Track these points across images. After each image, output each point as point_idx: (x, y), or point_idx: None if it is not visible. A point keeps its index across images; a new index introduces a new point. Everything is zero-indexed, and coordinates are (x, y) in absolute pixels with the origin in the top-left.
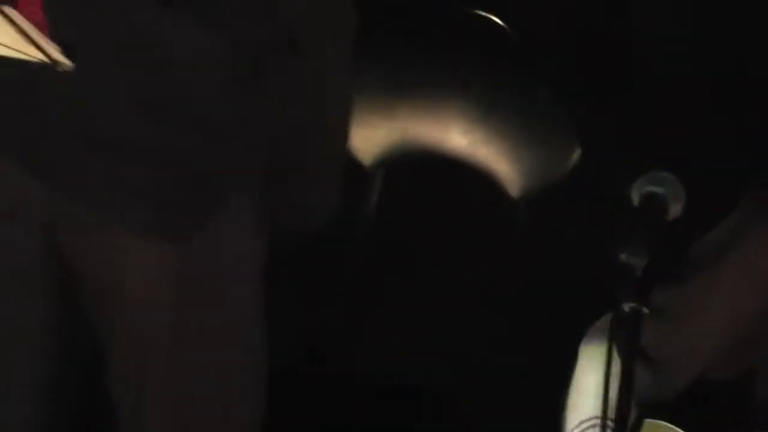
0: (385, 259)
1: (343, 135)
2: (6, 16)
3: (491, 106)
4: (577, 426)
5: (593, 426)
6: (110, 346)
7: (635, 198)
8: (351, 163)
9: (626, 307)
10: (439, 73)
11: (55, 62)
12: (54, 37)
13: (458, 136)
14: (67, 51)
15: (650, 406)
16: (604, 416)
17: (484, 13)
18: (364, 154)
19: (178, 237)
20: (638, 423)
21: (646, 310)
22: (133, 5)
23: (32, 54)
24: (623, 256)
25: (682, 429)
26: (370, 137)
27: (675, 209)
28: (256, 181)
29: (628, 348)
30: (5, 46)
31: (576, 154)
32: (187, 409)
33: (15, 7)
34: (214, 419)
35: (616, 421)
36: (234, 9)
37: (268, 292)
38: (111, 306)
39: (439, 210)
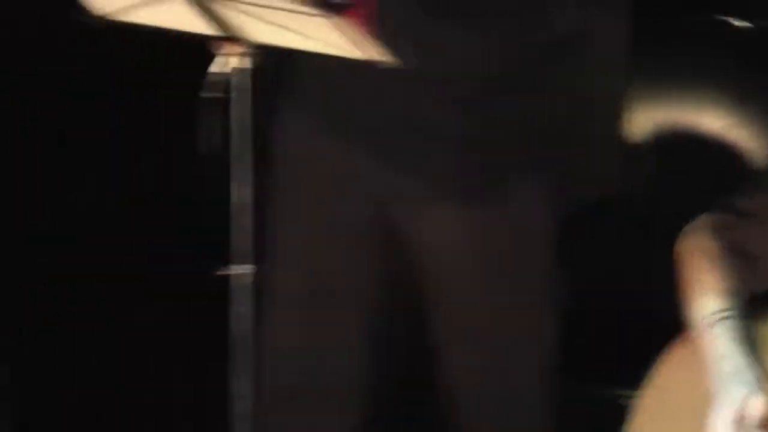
0: (651, 222)
1: (619, 122)
2: (338, 24)
3: (741, 95)
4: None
5: (721, 319)
6: (423, 300)
7: None
8: (625, 142)
9: None
10: (700, 68)
11: (378, 61)
12: (376, 40)
13: (713, 120)
14: (389, 52)
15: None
16: None
17: (730, 18)
18: (637, 135)
19: (484, 207)
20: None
21: None
22: (428, 18)
23: (360, 54)
24: None
25: None
26: (643, 120)
27: None
28: (543, 161)
29: None
30: (339, 47)
31: None
32: (486, 357)
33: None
34: (512, 364)
35: None
36: (511, 15)
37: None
38: (428, 263)
39: (696, 180)
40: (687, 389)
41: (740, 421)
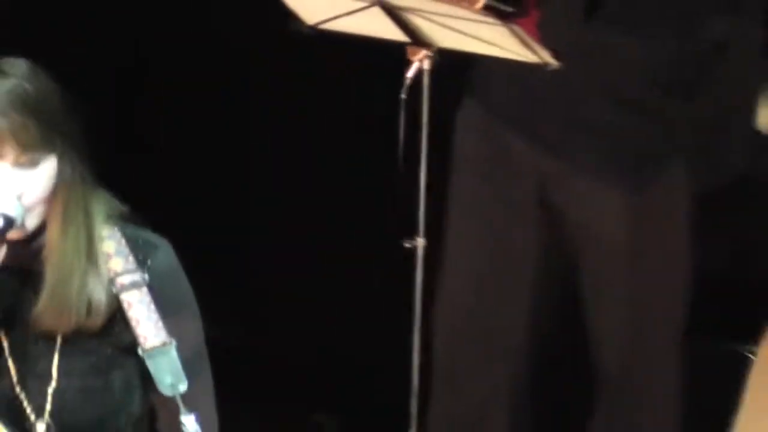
0: None
1: (751, 117)
2: (512, 31)
3: None
4: None
5: None
6: (579, 269)
7: None
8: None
9: None
10: None
11: (546, 63)
12: (544, 45)
13: None
14: (555, 55)
15: None
16: None
17: None
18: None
19: (633, 189)
20: None
21: None
22: (587, 26)
23: (531, 57)
24: None
25: None
26: None
27: None
28: (687, 154)
29: None
30: (513, 51)
31: None
32: (629, 317)
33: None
34: (651, 323)
35: None
36: (664, 26)
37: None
38: (581, 239)
39: None
40: None
41: None
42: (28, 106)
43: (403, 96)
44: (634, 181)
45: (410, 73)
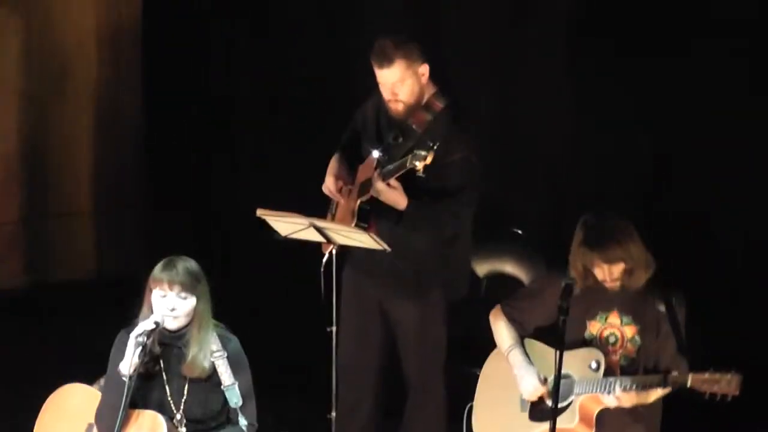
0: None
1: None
2: (369, 235)
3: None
4: (505, 349)
5: (511, 350)
6: (401, 347)
7: None
8: None
9: None
10: None
11: (383, 248)
12: (381, 240)
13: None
14: (388, 244)
15: None
16: None
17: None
18: None
19: (421, 300)
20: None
21: None
22: (396, 228)
23: (376, 246)
24: None
25: None
26: None
27: None
28: (442, 285)
29: None
30: (368, 243)
31: None
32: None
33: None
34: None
35: None
36: (428, 227)
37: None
38: (397, 325)
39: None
40: (506, 375)
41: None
42: (189, 274)
43: (322, 269)
44: (420, 297)
45: (325, 257)
